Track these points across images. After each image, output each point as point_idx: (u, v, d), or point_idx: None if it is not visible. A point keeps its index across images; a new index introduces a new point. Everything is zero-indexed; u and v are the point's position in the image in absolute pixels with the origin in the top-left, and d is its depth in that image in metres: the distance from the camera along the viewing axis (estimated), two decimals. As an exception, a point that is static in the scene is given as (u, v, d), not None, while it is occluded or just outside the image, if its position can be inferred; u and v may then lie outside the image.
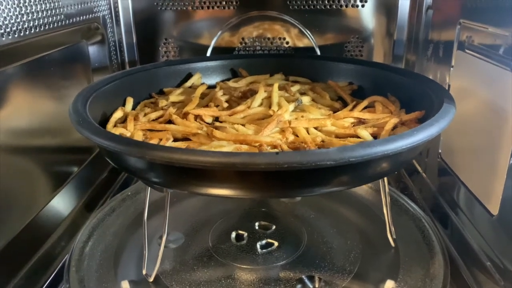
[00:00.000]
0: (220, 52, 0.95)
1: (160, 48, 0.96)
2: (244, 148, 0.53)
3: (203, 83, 0.81)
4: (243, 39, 0.96)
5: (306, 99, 0.70)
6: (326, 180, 0.44)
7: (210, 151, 0.40)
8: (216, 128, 0.58)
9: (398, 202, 0.76)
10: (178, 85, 0.80)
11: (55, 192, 0.73)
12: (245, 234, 0.69)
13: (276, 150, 0.53)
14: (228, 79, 0.83)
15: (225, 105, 0.69)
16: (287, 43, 0.96)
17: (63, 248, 0.70)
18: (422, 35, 0.87)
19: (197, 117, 0.64)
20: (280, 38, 0.95)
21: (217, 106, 0.69)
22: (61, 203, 0.75)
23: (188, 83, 0.79)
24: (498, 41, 0.56)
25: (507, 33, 0.54)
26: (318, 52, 0.88)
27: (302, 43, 0.95)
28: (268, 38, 0.96)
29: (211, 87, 0.79)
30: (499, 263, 0.57)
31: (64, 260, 0.66)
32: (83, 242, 0.67)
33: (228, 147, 0.53)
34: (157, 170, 0.45)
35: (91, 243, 0.67)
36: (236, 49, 0.97)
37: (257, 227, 0.71)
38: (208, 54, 0.89)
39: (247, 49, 0.97)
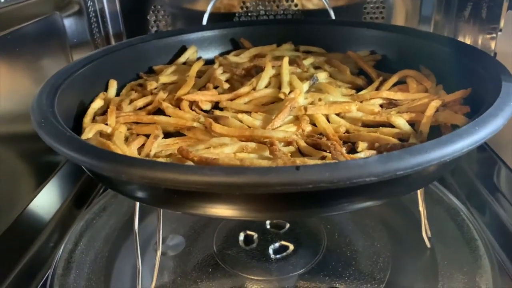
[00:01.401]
0: (218, 19, 0.84)
1: (148, 17, 0.84)
2: (251, 147, 0.42)
3: (199, 58, 0.70)
4: (244, 2, 0.84)
5: (322, 76, 0.59)
6: (360, 196, 0.34)
7: (209, 169, 0.29)
8: (216, 119, 0.48)
9: (429, 189, 0.66)
10: (171, 61, 0.69)
11: (39, 188, 0.64)
12: (255, 236, 0.60)
13: (291, 148, 0.43)
14: (229, 52, 0.72)
15: (226, 85, 0.58)
16: (296, 5, 0.83)
17: (48, 257, 0.61)
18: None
19: (193, 104, 0.54)
20: (287, 0, 0.83)
21: (216, 87, 0.58)
22: (46, 200, 0.66)
23: (182, 59, 0.68)
24: None
25: None
26: (333, 16, 0.75)
27: (313, 5, 0.82)
28: (273, 1, 0.83)
29: (209, 62, 0.68)
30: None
31: (47, 274, 0.57)
32: (68, 252, 0.59)
33: (231, 146, 0.43)
34: (141, 189, 0.35)
35: (78, 252, 0.59)
36: (237, 15, 0.85)
37: (268, 226, 0.62)
38: (204, 22, 0.77)
39: (249, 14, 0.85)
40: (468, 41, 0.70)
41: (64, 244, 0.59)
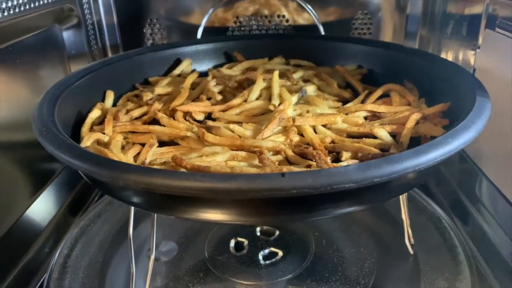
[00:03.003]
0: (212, 33, 0.86)
1: (144, 30, 0.87)
2: (242, 155, 0.45)
3: (193, 70, 0.72)
4: (237, 17, 0.87)
5: (310, 89, 0.62)
6: (340, 201, 0.37)
7: (200, 175, 0.31)
8: (209, 129, 0.50)
9: (414, 199, 0.69)
10: (166, 73, 0.71)
11: (36, 195, 0.65)
12: (246, 242, 0.62)
13: (279, 157, 0.45)
14: (222, 64, 0.74)
15: (219, 97, 0.61)
16: (287, 21, 0.86)
17: (44, 261, 0.62)
18: (440, 8, 0.77)
19: (187, 114, 0.56)
20: (278, 16, 0.86)
21: (209, 98, 0.61)
22: (43, 207, 0.67)
23: (177, 71, 0.71)
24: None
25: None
26: (322, 31, 0.78)
27: (303, 20, 0.85)
28: (266, 16, 0.86)
29: (203, 74, 0.70)
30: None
31: (43, 278, 0.58)
32: (64, 257, 0.60)
33: (222, 155, 0.45)
34: (136, 194, 0.37)
35: (73, 257, 0.61)
36: (230, 29, 0.88)
37: (258, 233, 0.64)
38: (199, 36, 0.79)
39: (242, 29, 0.87)
40: (450, 56, 0.73)
41: (60, 249, 0.61)
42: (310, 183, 0.31)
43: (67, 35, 0.74)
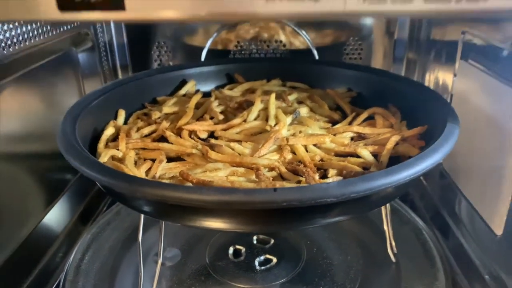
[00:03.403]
0: (215, 55, 0.92)
1: (152, 52, 0.93)
2: (241, 171, 0.51)
3: (197, 90, 0.79)
4: (238, 42, 0.93)
5: (304, 110, 0.68)
6: (327, 213, 0.43)
7: (205, 189, 0.38)
8: (212, 146, 0.56)
9: (399, 212, 0.75)
10: (172, 93, 0.77)
11: (52, 204, 0.71)
12: (243, 250, 0.68)
13: (273, 173, 0.51)
14: (224, 85, 0.80)
15: (221, 117, 0.67)
16: (284, 45, 0.93)
17: (58, 265, 0.68)
18: (424, 34, 0.84)
19: (192, 133, 0.62)
20: (276, 41, 0.92)
21: (212, 118, 0.67)
22: (57, 216, 0.73)
23: (182, 91, 0.77)
24: (502, 56, 0.54)
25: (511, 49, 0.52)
26: (316, 56, 0.85)
27: (299, 45, 0.92)
28: (265, 41, 0.93)
29: (206, 94, 0.76)
30: (498, 279, 0.56)
31: (58, 279, 0.64)
32: (78, 260, 0.66)
33: (224, 170, 0.51)
34: (149, 204, 0.43)
35: (86, 261, 0.66)
36: (232, 52, 0.94)
37: (255, 242, 0.69)
38: (203, 57, 0.86)
39: (243, 52, 0.94)
40: (432, 80, 0.80)
41: (74, 253, 0.66)
42: (297, 197, 0.37)
43: (82, 57, 0.81)
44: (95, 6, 0.21)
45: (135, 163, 0.54)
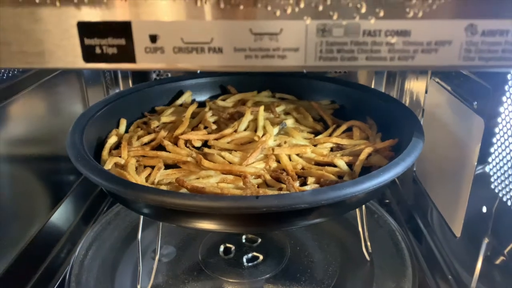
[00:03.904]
0: (210, 66, 0.99)
1: (151, 63, 0.99)
2: (230, 178, 0.57)
3: (193, 100, 0.85)
4: (231, 54, 0.99)
5: (290, 122, 0.75)
6: (303, 216, 0.49)
7: (198, 196, 0.44)
8: (205, 155, 0.63)
9: (376, 214, 0.82)
10: (170, 103, 0.84)
11: (57, 206, 0.78)
12: (233, 248, 0.74)
13: (259, 180, 0.58)
14: (218, 95, 0.86)
15: (214, 126, 0.73)
16: (274, 58, 0.99)
17: (63, 261, 0.75)
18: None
19: (187, 141, 0.69)
20: (267, 54, 0.99)
21: (206, 127, 0.73)
22: (62, 217, 0.79)
23: (179, 101, 0.83)
24: (465, 80, 0.60)
25: (472, 75, 0.58)
26: (304, 70, 0.92)
27: (288, 58, 0.98)
28: (256, 54, 0.99)
29: (201, 103, 0.83)
30: (459, 278, 0.63)
31: (64, 272, 0.71)
32: (82, 256, 0.72)
33: (215, 177, 0.57)
34: (149, 208, 0.50)
35: (89, 257, 0.72)
36: (225, 64, 1.00)
37: (244, 240, 0.76)
38: (198, 70, 0.92)
39: (235, 64, 1.00)
40: (408, 95, 0.87)
41: (78, 250, 0.73)
42: (276, 203, 0.44)
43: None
44: (112, 59, 0.28)
45: (136, 169, 0.61)
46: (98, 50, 0.28)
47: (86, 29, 0.27)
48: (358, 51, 0.27)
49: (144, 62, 0.28)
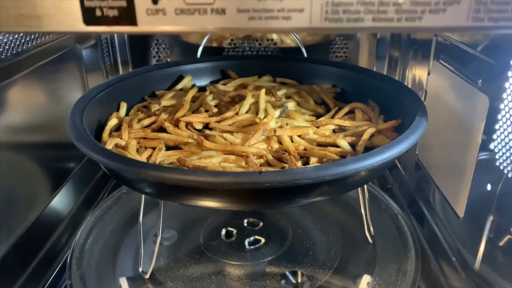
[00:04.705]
0: (210, 52, 0.98)
1: (151, 49, 0.99)
2: (232, 158, 0.57)
3: (193, 85, 0.84)
4: (232, 40, 0.99)
5: (291, 105, 0.74)
6: (306, 193, 0.49)
7: (200, 171, 0.44)
8: (206, 137, 0.62)
9: (378, 198, 0.81)
10: (170, 87, 0.83)
11: (57, 191, 0.77)
12: (234, 231, 0.74)
13: (261, 160, 0.57)
14: (218, 81, 0.86)
15: (215, 110, 0.73)
16: (275, 44, 0.99)
17: (65, 245, 0.74)
18: (405, 33, 0.90)
19: (188, 124, 0.68)
20: (268, 39, 0.98)
21: (206, 111, 0.73)
22: (62, 201, 0.79)
23: (179, 86, 0.83)
24: (468, 58, 0.60)
25: (476, 52, 0.58)
26: (305, 54, 0.91)
27: (289, 44, 0.98)
28: (257, 40, 0.99)
29: (202, 88, 0.82)
30: (462, 259, 0.62)
31: (65, 256, 0.70)
32: (83, 240, 0.72)
33: (216, 157, 0.57)
34: (150, 185, 0.49)
35: (90, 241, 0.72)
36: (226, 49, 1.00)
37: (245, 224, 0.76)
38: (199, 54, 0.91)
39: (236, 50, 0.99)
40: (410, 78, 0.86)
41: (79, 234, 0.73)
42: (278, 179, 0.43)
43: (85, 53, 0.86)
44: (113, 22, 0.27)
45: (137, 150, 0.60)
46: (98, 13, 0.27)
47: (86, -10, 0.27)
48: (364, 11, 0.27)
49: (145, 24, 0.28)
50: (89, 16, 0.28)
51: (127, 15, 0.27)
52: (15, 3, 0.27)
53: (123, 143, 0.61)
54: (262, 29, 0.27)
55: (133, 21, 0.27)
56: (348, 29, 0.28)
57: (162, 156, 0.58)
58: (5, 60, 0.62)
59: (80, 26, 0.28)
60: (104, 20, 0.27)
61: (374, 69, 0.98)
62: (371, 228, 0.71)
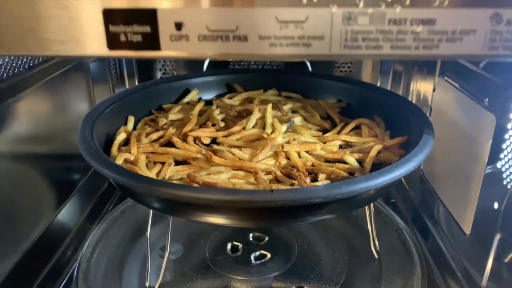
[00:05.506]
0: (216, 66, 0.99)
1: (157, 62, 1.00)
2: (241, 174, 0.57)
3: (200, 98, 0.85)
4: (238, 53, 1.00)
5: (297, 120, 0.75)
6: (316, 211, 0.49)
7: (212, 189, 0.44)
8: (215, 152, 0.63)
9: (383, 213, 0.82)
10: (177, 101, 0.83)
11: (63, 204, 0.77)
12: (240, 246, 0.74)
13: (270, 176, 0.58)
14: (224, 94, 0.86)
15: (222, 124, 0.73)
16: (280, 58, 0.99)
17: (71, 258, 0.74)
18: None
19: (196, 139, 0.68)
20: (273, 53, 0.99)
21: (214, 125, 0.73)
22: (68, 214, 0.79)
23: (186, 99, 0.83)
24: (475, 76, 0.61)
25: (482, 71, 0.59)
26: (310, 68, 0.92)
27: (294, 58, 0.99)
28: (262, 53, 0.99)
29: (208, 102, 0.83)
30: (468, 275, 0.63)
31: (72, 270, 0.70)
32: (89, 254, 0.72)
33: (226, 173, 0.57)
34: (161, 201, 0.50)
35: (96, 255, 0.72)
36: (231, 63, 1.00)
37: (251, 238, 0.76)
38: (204, 68, 0.92)
39: (242, 64, 1.00)
40: (415, 94, 0.87)
41: (86, 247, 0.72)
42: (291, 197, 0.44)
43: (93, 66, 0.87)
44: (137, 46, 0.28)
45: (146, 165, 0.60)
46: (123, 38, 0.28)
47: (111, 16, 0.27)
48: (383, 39, 0.27)
49: (168, 49, 0.28)
50: (113, 41, 0.28)
51: (151, 40, 0.28)
52: (43, 26, 0.28)
53: (132, 157, 0.62)
54: (282, 56, 0.28)
55: (156, 46, 0.28)
56: (367, 56, 0.28)
57: (172, 172, 0.58)
58: (18, 74, 0.63)
59: (104, 50, 0.28)
60: (128, 45, 0.28)
61: (378, 84, 0.99)
62: (377, 244, 0.71)
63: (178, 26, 0.27)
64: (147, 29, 0.28)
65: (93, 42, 0.28)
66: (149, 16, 0.27)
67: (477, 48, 0.28)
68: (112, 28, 0.28)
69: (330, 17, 0.27)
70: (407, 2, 0.27)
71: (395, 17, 0.27)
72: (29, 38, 0.28)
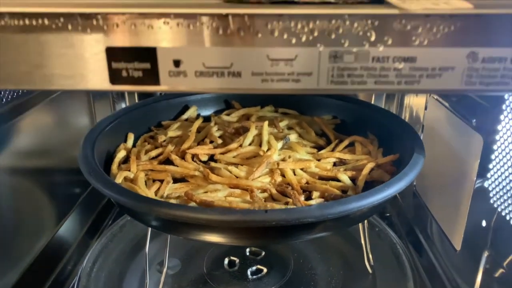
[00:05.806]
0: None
1: (157, 78, 1.02)
2: (237, 192, 0.59)
3: (198, 115, 0.87)
4: (235, 70, 1.02)
5: (293, 137, 0.76)
6: (309, 230, 0.51)
7: (208, 209, 0.46)
8: (212, 169, 0.64)
9: (377, 227, 0.83)
10: (175, 117, 0.85)
11: (64, 219, 0.79)
12: (237, 261, 0.75)
13: (265, 194, 0.59)
14: (222, 110, 0.88)
15: (219, 141, 0.75)
16: (277, 74, 1.02)
17: (71, 272, 0.76)
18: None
19: (194, 156, 0.70)
20: (270, 70, 1.01)
21: (211, 142, 0.75)
22: (69, 229, 0.80)
23: (185, 116, 0.85)
24: (463, 97, 0.63)
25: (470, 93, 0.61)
26: (306, 85, 0.94)
27: (290, 74, 1.01)
28: (259, 70, 1.02)
29: (207, 118, 0.85)
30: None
31: (72, 283, 0.72)
32: (89, 269, 0.73)
33: (222, 191, 0.59)
34: (159, 220, 0.51)
35: (96, 269, 0.74)
36: (229, 79, 1.02)
37: (248, 253, 0.77)
38: (203, 84, 0.94)
39: (239, 80, 1.02)
40: (408, 111, 0.89)
41: (85, 262, 0.74)
42: (284, 217, 0.45)
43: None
44: (137, 81, 0.30)
45: (145, 183, 0.62)
46: (124, 73, 0.30)
47: (114, 53, 0.29)
48: (367, 75, 0.29)
49: (167, 84, 0.30)
50: (115, 76, 0.30)
51: (151, 76, 0.30)
52: (51, 63, 0.30)
53: (131, 175, 0.63)
54: (273, 90, 0.30)
55: (156, 81, 0.30)
56: (352, 90, 0.30)
57: (170, 189, 0.60)
58: (25, 95, 0.65)
59: (106, 85, 0.30)
60: (129, 80, 0.30)
61: (373, 101, 1.01)
62: (371, 258, 0.73)
63: (176, 63, 0.30)
64: (147, 65, 0.30)
65: (96, 77, 0.30)
66: (150, 54, 0.29)
67: (455, 84, 0.30)
68: (115, 65, 0.30)
69: (317, 55, 0.29)
70: (389, 42, 0.29)
71: (379, 55, 0.29)
72: (37, 73, 0.30)
